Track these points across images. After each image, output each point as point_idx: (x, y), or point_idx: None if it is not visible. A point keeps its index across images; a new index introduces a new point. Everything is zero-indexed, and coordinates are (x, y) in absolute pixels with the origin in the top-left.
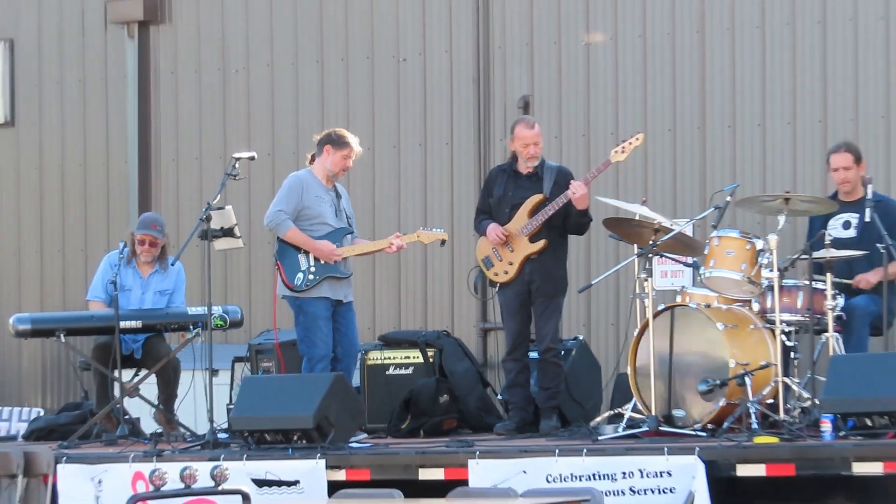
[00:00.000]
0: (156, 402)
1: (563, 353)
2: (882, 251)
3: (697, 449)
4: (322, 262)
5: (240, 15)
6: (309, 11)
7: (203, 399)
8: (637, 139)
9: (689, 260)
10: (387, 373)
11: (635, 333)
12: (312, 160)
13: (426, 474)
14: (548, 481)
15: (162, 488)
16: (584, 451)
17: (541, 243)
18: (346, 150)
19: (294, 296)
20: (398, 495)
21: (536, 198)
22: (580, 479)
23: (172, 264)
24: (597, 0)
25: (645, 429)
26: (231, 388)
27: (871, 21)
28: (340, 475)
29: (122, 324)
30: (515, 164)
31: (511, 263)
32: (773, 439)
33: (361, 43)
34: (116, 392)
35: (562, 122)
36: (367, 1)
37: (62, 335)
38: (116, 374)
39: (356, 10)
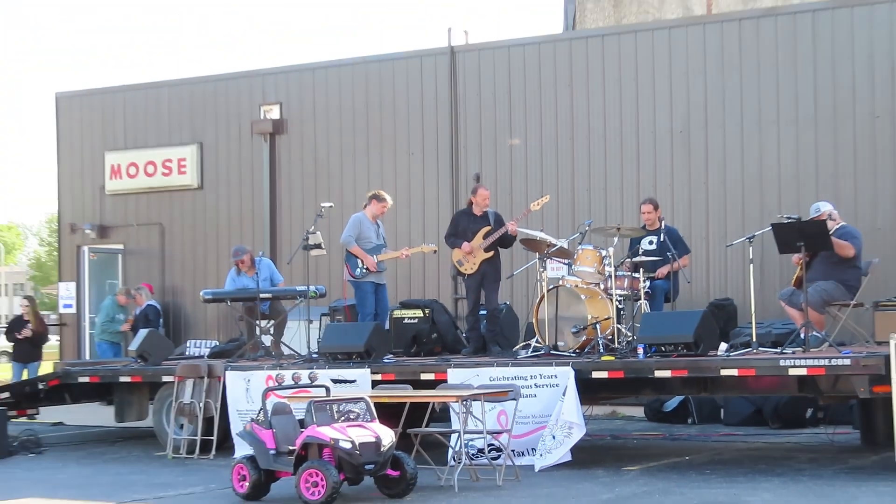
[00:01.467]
0: (275, 339)
1: (499, 311)
2: (670, 256)
3: (571, 363)
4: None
5: (323, 129)
6: (360, 126)
7: (305, 336)
8: (546, 197)
9: (566, 261)
10: (403, 322)
11: (537, 301)
12: (365, 207)
13: (425, 377)
14: (490, 380)
15: (282, 384)
16: (510, 363)
17: (491, 253)
18: (384, 202)
19: (354, 280)
20: (409, 387)
21: (486, 228)
22: (508, 379)
23: (288, 262)
24: (515, 120)
25: (542, 352)
26: (319, 330)
27: (665, 134)
28: (378, 377)
29: (262, 295)
30: (471, 208)
31: (475, 264)
32: (612, 358)
33: (387, 142)
34: (257, 332)
35: (497, 186)
36: (392, 115)
37: (229, 301)
38: (258, 322)
39: (387, 122)
